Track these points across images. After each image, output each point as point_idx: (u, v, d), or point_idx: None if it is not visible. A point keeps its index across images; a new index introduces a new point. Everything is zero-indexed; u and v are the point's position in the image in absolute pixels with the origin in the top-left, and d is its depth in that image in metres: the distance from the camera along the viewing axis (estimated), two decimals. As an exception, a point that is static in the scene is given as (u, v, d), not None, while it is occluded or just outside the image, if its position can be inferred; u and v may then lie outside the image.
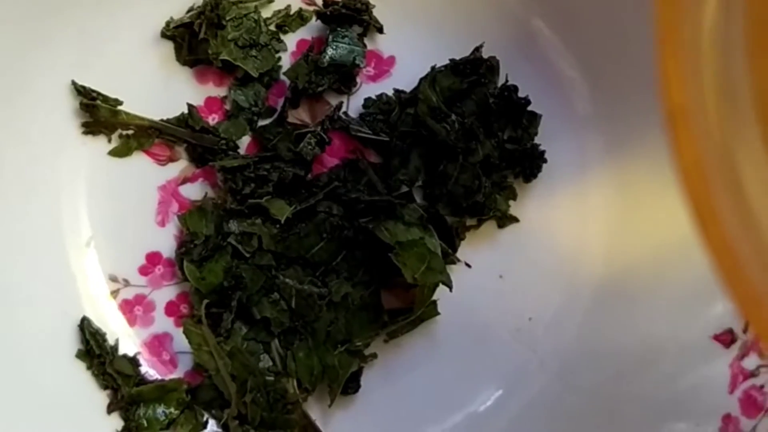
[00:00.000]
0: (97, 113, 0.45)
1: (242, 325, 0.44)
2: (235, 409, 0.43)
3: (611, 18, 0.44)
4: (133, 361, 0.44)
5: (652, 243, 0.43)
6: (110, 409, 0.43)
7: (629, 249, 0.44)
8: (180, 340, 0.44)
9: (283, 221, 0.43)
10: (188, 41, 0.46)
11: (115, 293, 0.45)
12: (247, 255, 0.44)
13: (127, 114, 0.45)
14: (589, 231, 0.45)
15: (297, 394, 0.43)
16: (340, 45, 0.46)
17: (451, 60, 0.45)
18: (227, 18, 0.45)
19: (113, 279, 0.45)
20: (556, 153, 0.45)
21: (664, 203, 0.42)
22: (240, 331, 0.44)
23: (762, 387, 0.37)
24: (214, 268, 0.44)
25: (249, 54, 0.46)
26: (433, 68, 0.45)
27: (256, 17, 0.46)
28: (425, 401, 0.45)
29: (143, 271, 0.45)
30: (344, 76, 0.46)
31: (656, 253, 0.43)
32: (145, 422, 0.43)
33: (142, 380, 0.44)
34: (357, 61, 0.46)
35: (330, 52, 0.45)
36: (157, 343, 0.45)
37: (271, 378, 0.43)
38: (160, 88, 0.46)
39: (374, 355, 0.44)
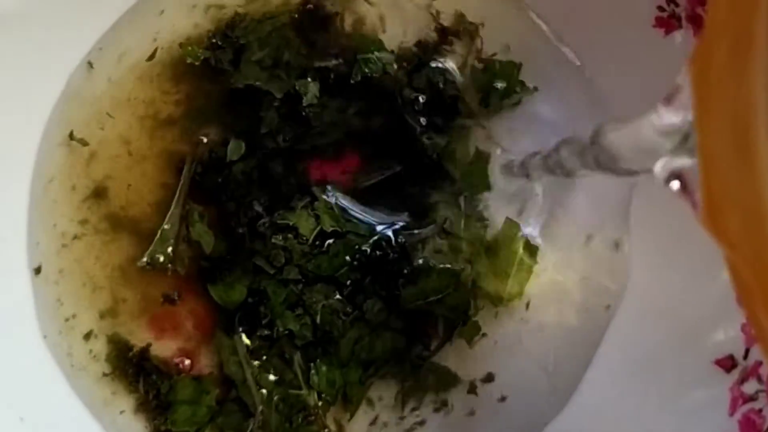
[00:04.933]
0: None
1: (268, 339, 0.45)
2: (261, 418, 0.44)
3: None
4: (166, 363, 0.45)
5: (659, 273, 0.45)
6: (139, 410, 0.45)
7: (639, 277, 0.47)
8: (206, 354, 0.46)
9: (311, 240, 0.45)
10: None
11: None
12: (272, 272, 0.45)
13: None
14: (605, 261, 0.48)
15: (318, 407, 0.44)
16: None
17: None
18: (251, 38, 0.46)
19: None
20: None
21: (670, 233, 0.45)
22: (265, 344, 0.45)
23: (761, 410, 0.39)
24: (238, 286, 0.45)
25: (273, 74, 0.47)
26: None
27: (285, 34, 0.47)
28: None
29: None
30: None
31: (664, 281, 0.45)
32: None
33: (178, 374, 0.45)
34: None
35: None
36: (185, 355, 0.46)
37: (294, 391, 0.44)
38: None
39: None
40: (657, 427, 0.42)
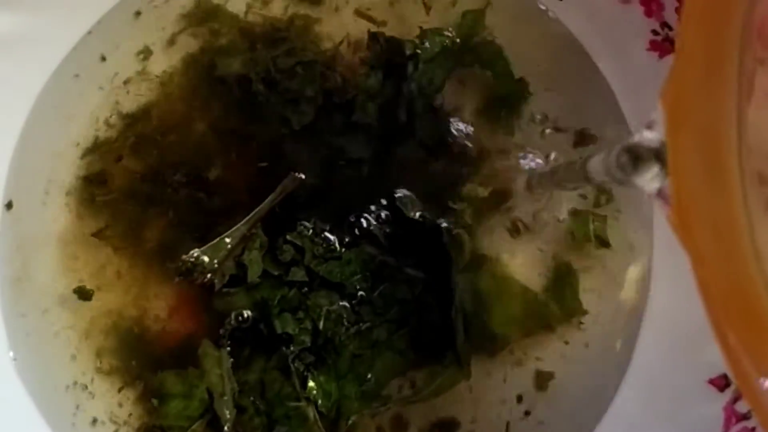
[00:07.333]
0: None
1: (263, 355, 0.45)
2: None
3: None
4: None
5: (653, 293, 0.46)
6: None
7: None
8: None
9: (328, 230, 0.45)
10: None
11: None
12: (277, 273, 0.44)
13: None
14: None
15: (316, 420, 0.44)
16: None
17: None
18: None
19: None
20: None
21: (664, 253, 0.45)
22: (258, 361, 0.45)
23: (753, 429, 0.39)
24: (240, 295, 0.45)
25: (296, 108, 0.47)
26: None
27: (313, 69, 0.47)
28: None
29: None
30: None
31: (657, 302, 0.46)
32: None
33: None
34: None
35: None
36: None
37: (293, 403, 0.44)
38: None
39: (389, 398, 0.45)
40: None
